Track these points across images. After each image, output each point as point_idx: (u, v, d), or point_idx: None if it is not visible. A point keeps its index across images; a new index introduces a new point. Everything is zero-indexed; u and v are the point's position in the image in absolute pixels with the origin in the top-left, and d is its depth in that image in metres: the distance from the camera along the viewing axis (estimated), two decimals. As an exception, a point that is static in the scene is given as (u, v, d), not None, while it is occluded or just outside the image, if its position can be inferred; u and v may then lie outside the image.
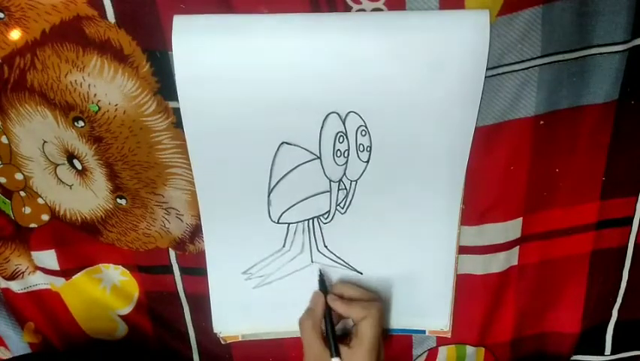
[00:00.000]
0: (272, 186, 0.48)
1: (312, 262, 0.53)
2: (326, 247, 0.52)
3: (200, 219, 0.51)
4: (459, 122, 0.45)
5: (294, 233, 0.51)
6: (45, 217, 0.53)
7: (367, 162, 0.47)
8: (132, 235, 0.53)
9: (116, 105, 0.45)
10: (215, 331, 0.57)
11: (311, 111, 0.45)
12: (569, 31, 0.43)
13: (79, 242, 0.54)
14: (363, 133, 0.46)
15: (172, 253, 0.54)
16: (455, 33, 0.42)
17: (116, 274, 0.57)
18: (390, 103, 0.44)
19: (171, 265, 0.55)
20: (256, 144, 0.46)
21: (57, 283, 0.57)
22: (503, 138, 0.47)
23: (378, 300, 0.51)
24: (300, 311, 0.52)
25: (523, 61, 0.43)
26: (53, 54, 0.43)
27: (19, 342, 0.59)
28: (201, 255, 0.53)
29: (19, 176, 0.51)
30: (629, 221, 0.53)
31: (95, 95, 0.45)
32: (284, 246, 0.52)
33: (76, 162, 0.49)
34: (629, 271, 0.55)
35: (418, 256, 0.52)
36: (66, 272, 0.56)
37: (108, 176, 0.50)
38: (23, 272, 0.57)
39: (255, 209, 0.49)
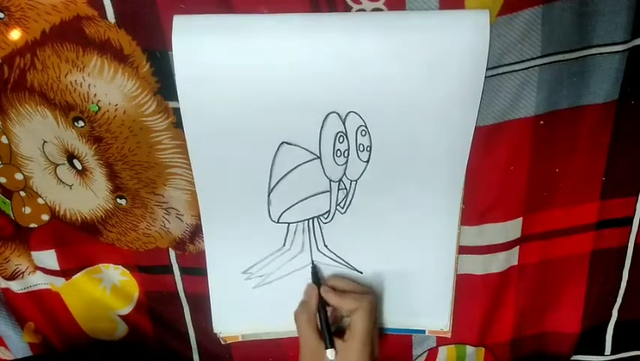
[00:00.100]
0: (272, 186, 0.48)
1: (312, 261, 0.53)
2: (326, 246, 0.52)
3: (200, 219, 0.51)
4: (459, 122, 0.45)
5: (294, 233, 0.51)
6: (45, 217, 0.53)
7: (367, 161, 0.47)
8: (132, 235, 0.53)
9: (116, 105, 0.45)
10: (215, 331, 0.57)
11: (311, 111, 0.45)
12: (569, 31, 0.43)
13: (79, 242, 0.54)
14: (363, 133, 0.46)
15: (172, 253, 0.54)
16: (455, 33, 0.42)
17: (116, 274, 0.57)
18: (390, 103, 0.44)
19: (171, 265, 0.55)
20: (256, 143, 0.46)
21: (57, 283, 0.57)
22: (503, 138, 0.47)
23: (370, 293, 0.51)
24: (300, 311, 0.52)
25: (523, 61, 0.43)
26: (53, 54, 0.43)
27: (19, 342, 0.59)
28: (201, 255, 0.53)
29: (19, 176, 0.51)
30: (629, 221, 0.53)
31: (95, 95, 0.45)
32: (284, 245, 0.52)
33: (76, 162, 0.49)
34: (629, 271, 0.55)
35: (418, 256, 0.53)
36: (66, 272, 0.56)
37: (108, 176, 0.50)
38: (23, 272, 0.57)
39: (255, 209, 0.50)
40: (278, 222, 0.50)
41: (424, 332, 0.57)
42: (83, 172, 0.50)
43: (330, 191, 0.49)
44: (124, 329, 0.60)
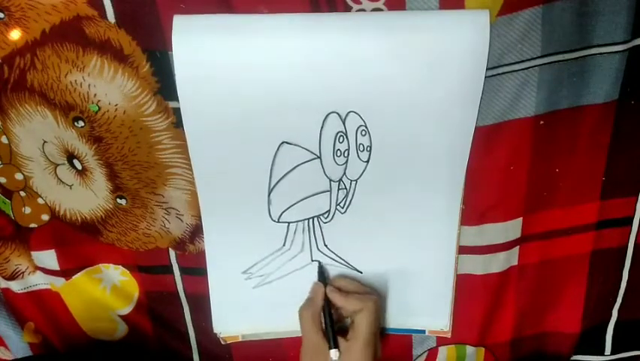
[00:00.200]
0: (272, 186, 0.48)
1: (312, 261, 0.53)
2: (326, 246, 0.52)
3: (200, 219, 0.51)
4: (459, 122, 0.45)
5: (294, 232, 0.51)
6: (45, 217, 0.53)
7: (367, 161, 0.47)
8: (132, 235, 0.53)
9: (116, 105, 0.45)
10: (215, 331, 0.57)
11: (311, 111, 0.45)
12: (569, 31, 0.43)
13: (79, 242, 0.54)
14: (363, 133, 0.46)
15: (172, 253, 0.54)
16: (455, 33, 0.42)
17: (116, 274, 0.57)
18: (390, 103, 0.44)
19: (171, 265, 0.55)
20: (256, 143, 0.46)
21: (57, 283, 0.57)
22: (503, 138, 0.47)
23: (374, 294, 0.51)
24: (300, 311, 0.52)
25: (523, 61, 0.43)
26: (53, 54, 0.43)
27: (19, 342, 0.59)
28: (201, 255, 0.53)
29: (19, 176, 0.51)
30: (629, 221, 0.53)
31: (95, 95, 0.45)
32: (284, 245, 0.52)
33: (76, 162, 0.49)
34: (629, 271, 0.55)
35: (418, 256, 0.53)
36: (66, 272, 0.56)
37: (108, 176, 0.50)
38: (23, 272, 0.57)
39: (256, 208, 0.50)
40: (278, 221, 0.50)
41: (424, 332, 0.57)
42: (83, 172, 0.50)
43: (330, 191, 0.49)
44: (124, 329, 0.60)
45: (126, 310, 0.58)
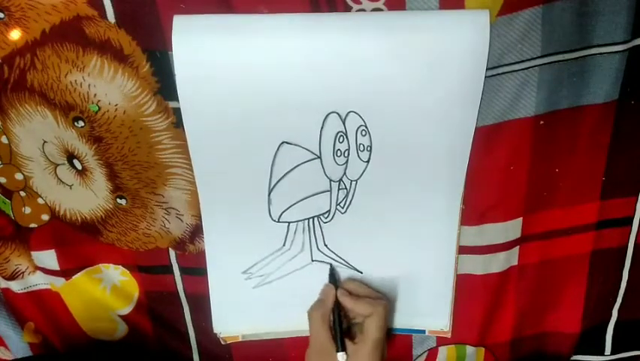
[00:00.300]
0: (272, 186, 0.48)
1: (312, 260, 0.53)
2: (326, 245, 0.52)
3: (200, 219, 0.51)
4: (459, 122, 0.45)
5: (295, 232, 0.51)
6: (45, 217, 0.53)
7: (367, 161, 0.47)
8: (132, 235, 0.53)
9: (116, 105, 0.45)
10: (215, 331, 0.57)
11: (311, 111, 0.45)
12: (569, 31, 0.43)
13: (79, 242, 0.54)
14: (364, 133, 0.46)
15: (172, 253, 0.54)
16: (455, 33, 0.42)
17: (116, 274, 0.57)
18: (390, 103, 0.44)
19: (171, 265, 0.55)
20: (256, 143, 0.46)
21: (57, 283, 0.57)
22: (503, 138, 0.47)
23: (384, 298, 0.51)
24: (300, 310, 0.52)
25: (523, 61, 0.43)
26: (53, 54, 0.43)
27: (19, 342, 0.59)
28: (201, 255, 0.53)
29: (19, 176, 0.51)
30: (629, 221, 0.53)
31: (95, 95, 0.45)
32: (284, 245, 0.52)
33: (76, 162, 0.49)
34: (629, 271, 0.55)
35: (418, 256, 0.53)
36: (66, 272, 0.56)
37: (108, 176, 0.50)
38: (23, 272, 0.57)
39: (256, 208, 0.50)
40: (278, 221, 0.50)
41: (424, 332, 0.57)
42: (83, 172, 0.50)
43: (330, 191, 0.49)
44: (124, 329, 0.60)
45: (126, 310, 0.58)
